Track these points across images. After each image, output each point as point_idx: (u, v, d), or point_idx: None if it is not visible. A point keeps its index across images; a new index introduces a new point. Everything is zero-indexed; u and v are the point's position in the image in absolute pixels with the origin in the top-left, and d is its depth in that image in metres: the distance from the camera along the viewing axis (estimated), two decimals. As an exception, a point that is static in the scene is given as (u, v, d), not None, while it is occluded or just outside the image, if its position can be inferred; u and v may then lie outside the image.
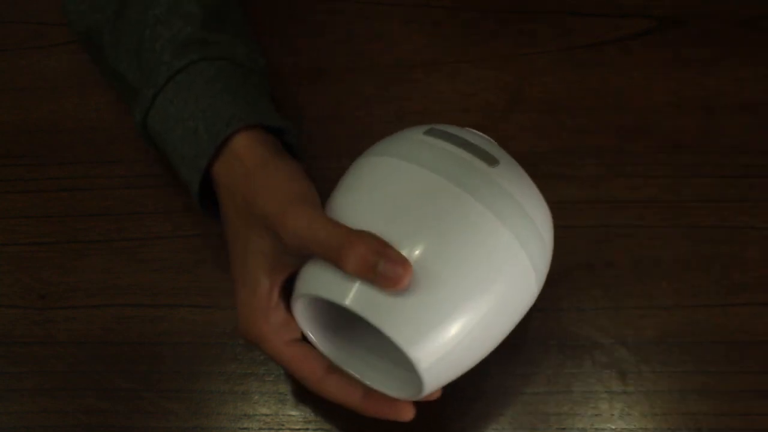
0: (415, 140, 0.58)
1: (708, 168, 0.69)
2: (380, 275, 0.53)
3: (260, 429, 0.65)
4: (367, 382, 0.59)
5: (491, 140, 0.60)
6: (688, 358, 0.65)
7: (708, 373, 0.64)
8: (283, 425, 0.65)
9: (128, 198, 0.71)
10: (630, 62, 0.73)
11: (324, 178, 0.70)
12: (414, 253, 0.54)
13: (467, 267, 0.54)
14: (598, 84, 0.73)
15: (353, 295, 0.54)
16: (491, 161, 0.57)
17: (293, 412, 0.65)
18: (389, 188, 0.56)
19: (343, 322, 0.61)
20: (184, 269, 0.69)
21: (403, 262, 0.53)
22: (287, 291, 0.61)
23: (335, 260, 0.54)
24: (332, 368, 0.60)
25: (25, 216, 0.71)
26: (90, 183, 0.72)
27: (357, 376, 0.59)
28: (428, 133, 0.58)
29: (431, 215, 0.54)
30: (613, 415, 0.64)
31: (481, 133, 0.61)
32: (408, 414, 0.59)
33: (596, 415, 0.64)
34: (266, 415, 0.65)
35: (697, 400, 0.64)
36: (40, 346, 0.67)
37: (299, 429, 0.65)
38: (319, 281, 0.55)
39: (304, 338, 0.62)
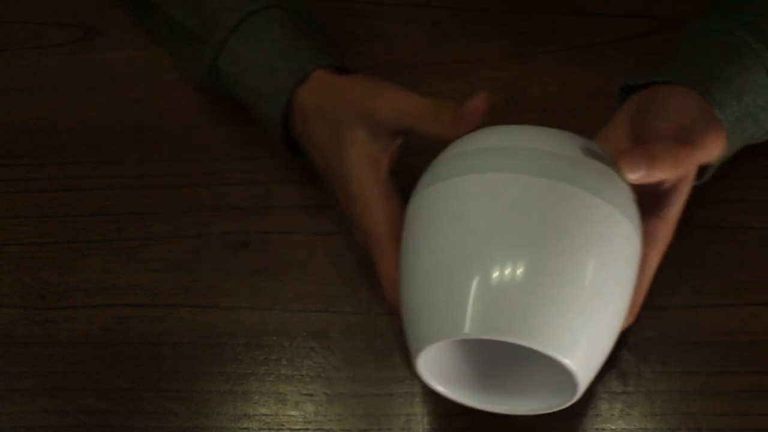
0: (486, 149, 0.56)
1: (708, 168, 0.69)
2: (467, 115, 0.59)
3: (260, 429, 0.65)
4: (521, 411, 0.58)
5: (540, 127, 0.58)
6: (688, 358, 0.64)
7: (708, 373, 0.64)
8: (283, 425, 0.65)
9: (128, 198, 0.71)
10: (630, 62, 0.73)
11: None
12: (538, 262, 0.52)
13: (593, 262, 0.53)
14: (598, 84, 0.73)
15: (473, 320, 0.52)
16: (572, 147, 0.56)
17: (293, 412, 0.65)
18: (493, 206, 0.54)
19: (468, 366, 0.60)
20: (184, 269, 0.69)
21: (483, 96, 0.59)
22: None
23: (430, 120, 0.60)
24: None
25: (25, 216, 0.71)
26: (90, 183, 0.72)
27: (508, 410, 0.58)
28: (492, 138, 0.57)
29: (544, 220, 0.53)
30: (613, 415, 0.64)
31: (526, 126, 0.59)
32: None
33: (596, 415, 0.64)
34: (266, 415, 0.65)
35: (697, 400, 0.64)
36: (40, 346, 0.67)
37: (299, 429, 0.65)
38: (432, 328, 0.54)
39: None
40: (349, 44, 0.75)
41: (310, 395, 0.65)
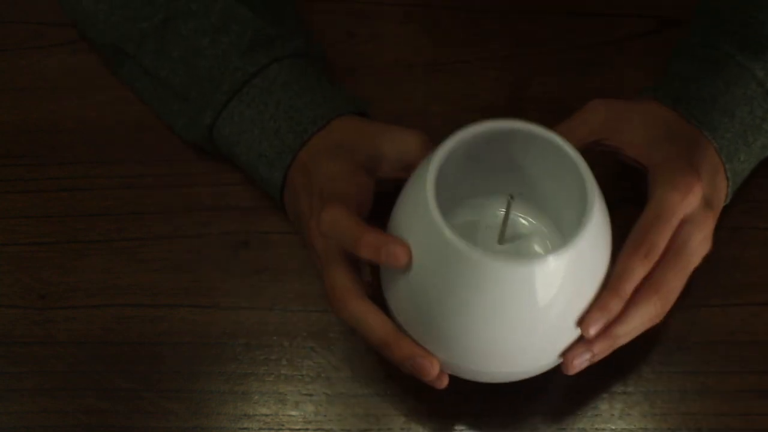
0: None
1: (708, 168, 0.69)
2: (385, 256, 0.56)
3: (260, 429, 0.65)
4: None
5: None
6: (688, 358, 0.64)
7: (708, 373, 0.64)
8: (283, 425, 0.65)
9: (128, 198, 0.71)
10: (630, 62, 0.73)
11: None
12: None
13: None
14: (598, 84, 0.73)
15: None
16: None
17: (293, 412, 0.65)
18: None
19: None
20: (184, 269, 0.69)
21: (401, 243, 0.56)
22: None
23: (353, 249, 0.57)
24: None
25: (25, 216, 0.71)
26: (90, 183, 0.72)
27: None
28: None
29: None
30: (613, 415, 0.64)
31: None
32: (443, 381, 0.59)
33: (596, 415, 0.64)
34: (266, 415, 0.65)
35: (697, 400, 0.64)
36: (40, 346, 0.67)
37: (299, 429, 0.65)
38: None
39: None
40: (349, 44, 0.75)
41: (310, 395, 0.65)
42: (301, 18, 0.72)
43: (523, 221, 0.63)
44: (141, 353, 0.66)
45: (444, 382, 0.59)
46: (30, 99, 0.75)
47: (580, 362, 0.58)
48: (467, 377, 0.60)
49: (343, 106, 0.66)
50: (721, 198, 0.64)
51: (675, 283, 0.59)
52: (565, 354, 0.58)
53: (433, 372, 0.58)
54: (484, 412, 0.64)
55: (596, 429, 0.64)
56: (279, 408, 0.65)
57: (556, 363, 0.59)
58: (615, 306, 0.57)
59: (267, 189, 0.67)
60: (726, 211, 0.66)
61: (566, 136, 0.57)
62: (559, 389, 0.64)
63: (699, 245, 0.60)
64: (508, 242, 0.61)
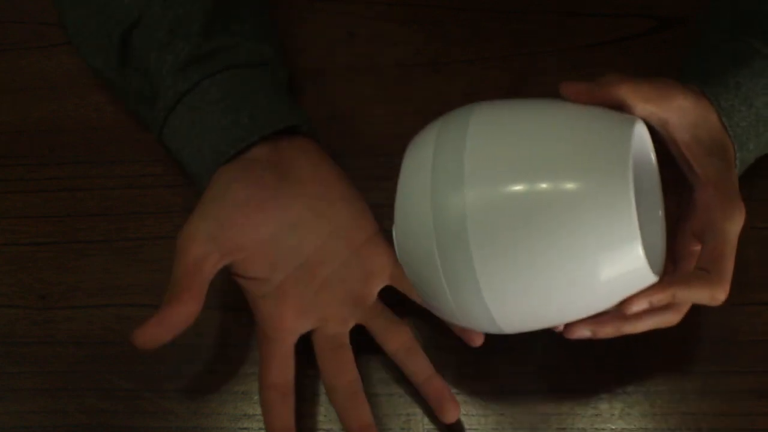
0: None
1: (708, 168, 0.69)
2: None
3: (260, 429, 0.65)
4: None
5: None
6: (687, 358, 0.64)
7: (708, 373, 0.64)
8: (283, 425, 0.65)
9: (128, 198, 0.71)
10: (630, 62, 0.73)
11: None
12: None
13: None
14: (598, 84, 0.73)
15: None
16: None
17: (293, 412, 0.65)
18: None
19: None
20: (184, 269, 0.68)
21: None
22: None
23: None
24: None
25: (25, 216, 0.71)
26: (90, 183, 0.72)
27: None
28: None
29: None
30: (613, 415, 0.64)
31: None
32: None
33: (596, 415, 0.64)
34: (266, 415, 0.65)
35: (697, 400, 0.64)
36: (40, 346, 0.67)
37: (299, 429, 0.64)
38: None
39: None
40: (349, 44, 0.75)
41: (310, 395, 0.65)
42: (258, 8, 0.71)
43: None
44: (141, 353, 0.66)
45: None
46: (30, 99, 0.75)
47: (579, 333, 0.60)
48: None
49: (275, 121, 0.65)
50: None
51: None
52: (570, 324, 0.60)
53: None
54: (484, 414, 0.64)
55: (596, 429, 0.64)
56: (279, 408, 0.65)
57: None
58: (659, 299, 0.58)
59: None
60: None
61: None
62: (559, 389, 0.64)
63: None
64: None
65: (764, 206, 0.68)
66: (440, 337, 0.64)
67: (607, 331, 0.60)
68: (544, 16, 0.75)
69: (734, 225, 0.60)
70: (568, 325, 0.60)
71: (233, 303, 0.67)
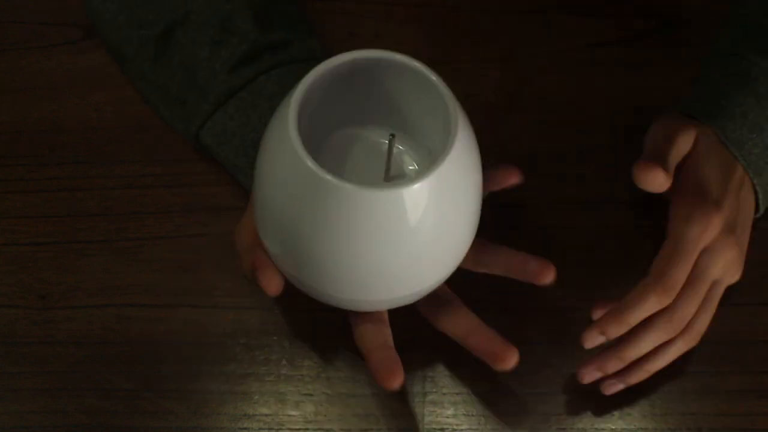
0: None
1: (708, 168, 0.69)
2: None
3: (260, 429, 0.65)
4: None
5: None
6: (688, 358, 0.64)
7: (708, 373, 0.64)
8: (283, 425, 0.65)
9: (128, 198, 0.71)
10: (630, 62, 0.73)
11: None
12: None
13: None
14: (598, 84, 0.73)
15: None
16: None
17: (293, 412, 0.65)
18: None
19: None
20: (184, 269, 0.69)
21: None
22: None
23: None
24: None
25: (25, 216, 0.71)
26: (90, 183, 0.72)
27: None
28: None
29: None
30: (613, 415, 0.64)
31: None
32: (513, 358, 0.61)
33: (596, 415, 0.64)
34: (266, 415, 0.65)
35: (697, 400, 0.64)
36: (40, 346, 0.67)
37: (299, 429, 0.65)
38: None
39: None
40: (349, 44, 0.75)
41: (310, 395, 0.65)
42: (297, 9, 0.72)
43: (407, 156, 0.62)
44: (141, 353, 0.66)
45: (397, 382, 0.60)
46: (30, 99, 0.75)
47: (590, 376, 0.62)
48: (350, 307, 0.62)
49: None
50: (748, 212, 0.64)
51: (688, 310, 0.61)
52: (579, 367, 0.62)
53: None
54: (484, 414, 0.64)
55: (596, 429, 0.64)
56: (279, 408, 0.65)
57: (433, 287, 0.60)
58: (612, 329, 0.60)
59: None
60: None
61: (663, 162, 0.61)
62: (559, 390, 0.64)
63: (721, 271, 0.62)
64: (394, 178, 0.61)
65: (764, 206, 0.68)
66: (440, 336, 0.64)
67: (613, 365, 0.62)
68: (545, 16, 0.75)
69: (691, 229, 0.60)
70: (578, 371, 0.62)
71: (233, 303, 0.67)
